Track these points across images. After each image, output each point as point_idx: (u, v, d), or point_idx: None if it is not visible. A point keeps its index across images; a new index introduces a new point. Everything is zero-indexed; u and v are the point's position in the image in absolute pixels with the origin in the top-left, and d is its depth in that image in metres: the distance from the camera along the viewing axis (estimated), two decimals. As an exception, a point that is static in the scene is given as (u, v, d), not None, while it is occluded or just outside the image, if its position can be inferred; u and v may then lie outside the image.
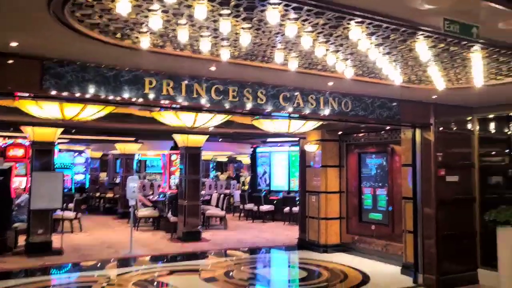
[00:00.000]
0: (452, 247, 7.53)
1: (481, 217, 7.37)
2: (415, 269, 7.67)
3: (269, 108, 6.11)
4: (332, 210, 10.46)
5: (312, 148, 10.67)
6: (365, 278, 7.98)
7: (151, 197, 15.64)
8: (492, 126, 8.35)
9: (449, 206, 7.58)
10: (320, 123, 8.66)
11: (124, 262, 9.45)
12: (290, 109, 6.27)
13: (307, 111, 6.37)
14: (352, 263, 9.09)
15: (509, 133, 8.12)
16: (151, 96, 5.29)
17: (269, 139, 16.16)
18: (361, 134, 10.27)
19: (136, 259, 9.79)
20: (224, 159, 30.52)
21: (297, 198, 13.41)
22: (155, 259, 9.85)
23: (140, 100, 5.30)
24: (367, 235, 9.94)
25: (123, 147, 16.86)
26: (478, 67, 4.79)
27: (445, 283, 7.29)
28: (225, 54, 4.33)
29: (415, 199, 7.84)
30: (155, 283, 7.94)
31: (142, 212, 13.75)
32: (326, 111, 6.48)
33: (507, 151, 8.28)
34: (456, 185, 7.78)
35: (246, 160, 25.88)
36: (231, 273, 8.53)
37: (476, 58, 4.52)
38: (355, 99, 6.69)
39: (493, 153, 8.50)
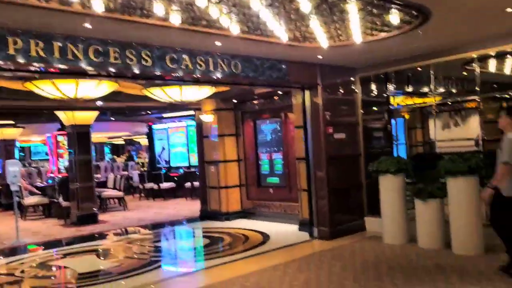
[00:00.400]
0: (342, 200, 8.04)
1: (366, 170, 7.94)
2: (310, 224, 8.07)
3: (157, 72, 5.82)
4: (232, 178, 10.56)
5: (208, 118, 10.59)
6: (266, 238, 8.23)
7: (38, 184, 14.42)
8: (373, 85, 8.98)
9: (338, 162, 8.05)
10: (214, 90, 8.58)
11: (10, 251, 8.61)
12: (180, 73, 6.06)
13: (197, 74, 6.21)
14: (253, 227, 9.32)
15: (387, 91, 8.80)
16: (20, 59, 4.72)
17: (165, 115, 15.73)
18: (255, 102, 10.42)
19: (25, 247, 8.98)
20: (121, 141, 29.23)
21: (198, 173, 13.31)
22: (47, 245, 9.08)
23: (8, 63, 4.72)
24: (266, 199, 10.23)
25: (0, 133, 15.21)
26: (355, 20, 5.03)
27: (337, 233, 7.78)
28: (97, 4, 3.98)
29: (307, 158, 8.18)
30: (48, 267, 7.34)
31: (29, 199, 12.61)
32: (217, 74, 6.38)
33: (386, 108, 8.99)
34: (344, 142, 8.27)
35: (144, 141, 25.00)
36: (132, 249, 8.23)
37: (352, 10, 4.73)
38: (245, 60, 6.68)
39: (375, 110, 9.17)
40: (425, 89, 9.07)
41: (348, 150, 8.35)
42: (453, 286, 4.98)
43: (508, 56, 7.38)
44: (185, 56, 6.03)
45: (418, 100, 10.51)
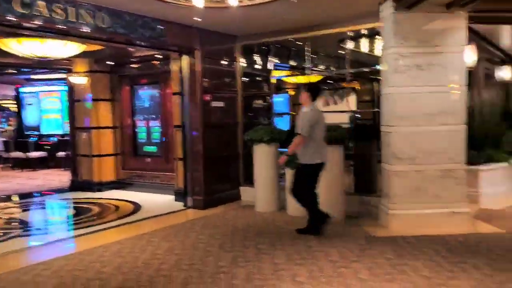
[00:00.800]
0: (218, 170, 7.96)
1: (244, 141, 7.94)
2: (185, 194, 7.88)
3: (8, 16, 5.05)
4: (106, 146, 9.90)
5: (80, 80, 9.72)
6: (137, 208, 7.86)
7: None
8: (255, 56, 8.94)
9: (215, 131, 7.92)
10: (84, 48, 7.81)
11: None
12: (36, 21, 5.34)
13: (58, 25, 5.53)
14: (126, 197, 8.87)
15: (267, 62, 8.83)
16: None
17: (35, 77, 14.18)
18: (134, 66, 9.80)
19: None
20: (-13, 107, 25.98)
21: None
22: None
23: None
24: (143, 169, 9.80)
25: None
26: (227, -22, 4.82)
27: (212, 202, 7.69)
28: None
29: (184, 126, 7.91)
30: None
31: None
32: (80, 26, 5.75)
33: (267, 80, 9.04)
34: (222, 111, 8.15)
35: (15, 107, 22.47)
36: (-20, 222, 7.28)
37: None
38: (113, 14, 6.11)
39: (256, 81, 9.18)
40: (306, 66, 9.33)
41: (227, 119, 8.25)
42: (310, 248, 5.18)
43: (377, 36, 7.79)
44: (39, 2, 5.31)
45: (300, 77, 10.80)
